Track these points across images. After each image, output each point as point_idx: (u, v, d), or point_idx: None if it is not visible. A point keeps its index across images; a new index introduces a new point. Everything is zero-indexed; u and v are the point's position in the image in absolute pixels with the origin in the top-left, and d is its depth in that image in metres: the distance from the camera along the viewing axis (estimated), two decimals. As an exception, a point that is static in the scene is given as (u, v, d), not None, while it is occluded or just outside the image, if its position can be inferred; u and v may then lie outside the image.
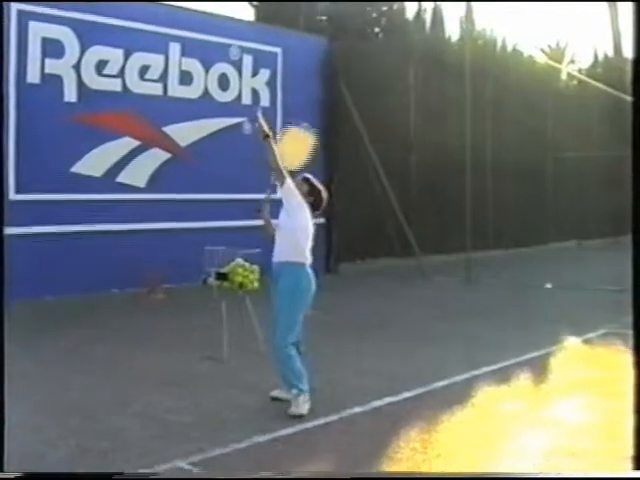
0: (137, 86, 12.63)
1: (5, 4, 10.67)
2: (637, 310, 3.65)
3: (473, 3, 18.48)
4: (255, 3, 19.62)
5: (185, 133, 13.28)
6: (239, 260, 7.66)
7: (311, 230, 5.93)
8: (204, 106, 13.56)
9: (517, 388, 6.79)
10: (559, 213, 21.30)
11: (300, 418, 5.62)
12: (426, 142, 17.03)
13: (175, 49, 13.12)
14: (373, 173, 15.57)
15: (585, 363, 7.84)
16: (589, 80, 20.55)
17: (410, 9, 19.62)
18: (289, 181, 5.77)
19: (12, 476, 3.83)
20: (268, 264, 6.18)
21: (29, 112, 11.19)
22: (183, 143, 13.27)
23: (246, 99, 14.30)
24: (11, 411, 5.47)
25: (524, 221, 19.99)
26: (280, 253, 5.91)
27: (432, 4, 19.41)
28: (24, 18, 11.17)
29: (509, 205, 19.57)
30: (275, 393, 6.08)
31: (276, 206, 6.02)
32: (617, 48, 26.63)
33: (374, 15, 19.54)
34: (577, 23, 60.41)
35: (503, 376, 7.08)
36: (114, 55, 12.30)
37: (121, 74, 12.41)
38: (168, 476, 4.57)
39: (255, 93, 14.46)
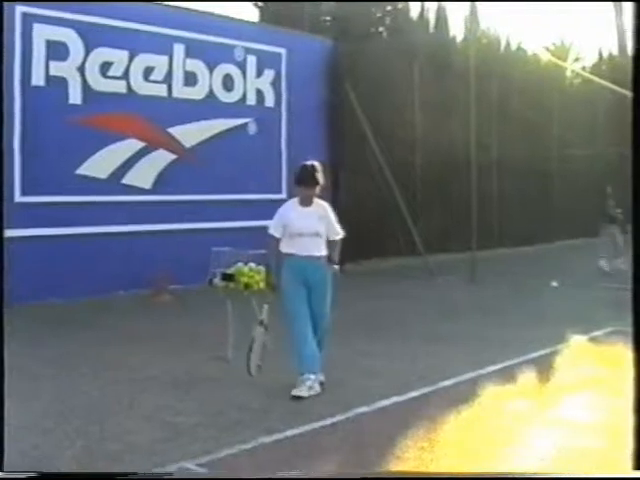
0: (142, 87, 12.63)
1: (9, 6, 10.69)
2: (637, 307, 3.64)
3: (477, 2, 18.47)
4: (259, 4, 19.65)
5: (190, 134, 13.28)
6: (240, 264, 7.63)
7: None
8: (209, 107, 13.56)
9: (524, 387, 6.77)
10: (565, 211, 21.23)
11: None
12: (431, 141, 17.01)
13: (179, 50, 13.12)
14: (378, 172, 15.56)
15: (592, 361, 7.82)
16: (594, 78, 20.50)
17: (414, 8, 19.63)
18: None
19: (12, 476, 3.83)
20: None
21: (34, 114, 11.20)
22: (188, 144, 13.27)
23: (251, 100, 14.32)
24: (18, 414, 5.50)
25: (530, 219, 19.94)
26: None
27: (436, 4, 19.43)
28: (28, 21, 11.18)
29: (515, 203, 19.54)
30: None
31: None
32: (622, 46, 26.58)
33: (378, 15, 19.57)
34: (582, 21, 60.36)
35: (510, 375, 7.07)
36: (118, 57, 12.30)
37: (126, 76, 12.41)
38: (178, 476, 4.58)
39: (260, 93, 14.48)
